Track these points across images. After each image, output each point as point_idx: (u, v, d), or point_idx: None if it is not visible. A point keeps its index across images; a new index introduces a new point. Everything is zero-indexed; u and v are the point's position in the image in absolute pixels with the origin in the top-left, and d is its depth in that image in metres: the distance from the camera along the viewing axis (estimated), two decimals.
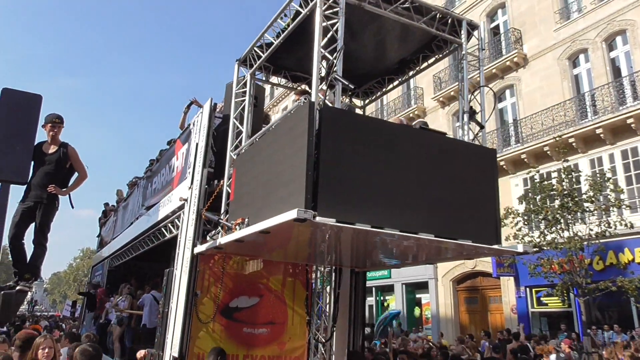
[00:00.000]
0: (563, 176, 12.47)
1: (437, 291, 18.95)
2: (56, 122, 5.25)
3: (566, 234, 11.95)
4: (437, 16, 4.28)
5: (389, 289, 21.19)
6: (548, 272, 12.12)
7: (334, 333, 5.40)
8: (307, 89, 5.26)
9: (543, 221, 12.56)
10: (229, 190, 4.67)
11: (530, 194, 13.41)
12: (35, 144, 5.09)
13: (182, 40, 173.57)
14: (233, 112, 5.01)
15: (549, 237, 12.19)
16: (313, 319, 5.55)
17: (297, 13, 4.16)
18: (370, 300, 22.48)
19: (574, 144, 14.89)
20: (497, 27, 19.27)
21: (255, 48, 4.82)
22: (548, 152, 15.49)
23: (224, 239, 4.11)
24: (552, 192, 12.46)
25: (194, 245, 4.75)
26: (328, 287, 5.86)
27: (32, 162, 5.14)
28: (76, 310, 18.32)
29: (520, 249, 3.96)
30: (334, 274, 5.97)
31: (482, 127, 4.32)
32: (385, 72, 5.58)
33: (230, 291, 5.36)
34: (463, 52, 4.49)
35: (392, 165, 3.66)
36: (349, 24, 4.07)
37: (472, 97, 4.51)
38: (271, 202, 3.66)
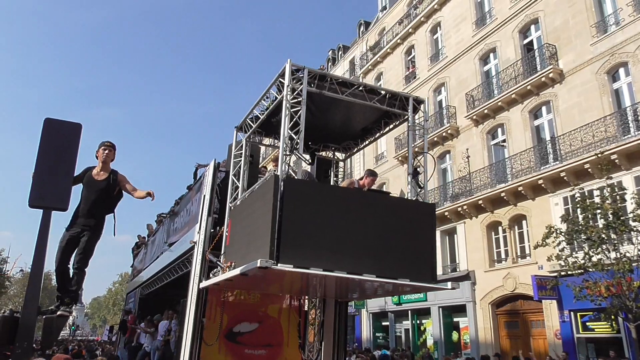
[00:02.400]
0: (607, 194, 12.65)
1: (475, 315, 19.55)
2: (107, 145, 5.81)
3: (613, 254, 12.10)
4: (387, 95, 5.80)
5: (426, 313, 22.05)
6: (594, 295, 12.17)
7: (321, 354, 6.91)
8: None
9: (587, 241, 12.72)
10: (227, 235, 6.36)
11: (573, 213, 13.78)
12: (86, 169, 5.82)
13: (212, 72, 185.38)
14: (232, 169, 6.75)
15: (594, 258, 12.31)
16: (305, 342, 7.10)
17: (275, 97, 5.84)
18: (407, 324, 23.42)
19: (616, 160, 15.16)
20: (531, 42, 20.03)
21: (248, 119, 6.55)
22: (589, 170, 15.81)
23: (217, 278, 5.80)
24: (596, 211, 12.59)
25: (199, 281, 6.48)
26: (316, 314, 7.34)
27: (82, 188, 5.74)
28: (113, 335, 20.80)
29: (449, 285, 5.33)
30: (321, 304, 7.46)
31: (421, 187, 5.72)
32: (352, 137, 7.23)
33: (234, 318, 7.04)
34: (409, 124, 5.91)
35: (342, 221, 5.21)
36: (317, 104, 5.69)
37: (417, 161, 5.92)
38: (250, 250, 5.30)
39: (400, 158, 24.93)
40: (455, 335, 20.78)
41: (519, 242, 18.79)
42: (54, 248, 5.53)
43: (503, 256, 19.31)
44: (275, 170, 5.21)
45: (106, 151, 5.77)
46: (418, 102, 6.18)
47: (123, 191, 5.86)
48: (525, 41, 20.23)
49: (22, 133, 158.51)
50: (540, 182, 17.25)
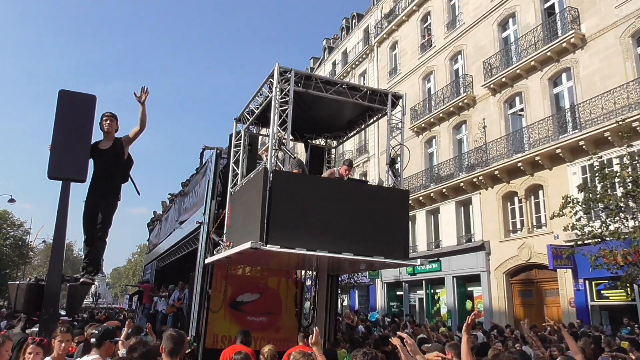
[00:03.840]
0: (627, 162, 12.84)
1: (489, 284, 20.56)
2: (107, 116, 6.09)
3: (631, 223, 12.48)
4: (368, 92, 6.80)
5: (440, 282, 23.31)
6: (610, 264, 12.55)
7: (314, 320, 8.23)
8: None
9: (604, 210, 13.12)
10: (227, 218, 7.59)
11: (591, 182, 14.00)
12: (94, 143, 6.01)
13: (224, 40, 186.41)
14: (232, 157, 7.91)
15: (611, 227, 12.73)
16: (302, 310, 8.42)
17: (267, 95, 6.91)
18: (421, 293, 24.75)
19: (638, 128, 15.40)
20: (552, 6, 20.00)
21: (245, 112, 7.65)
22: (609, 138, 16.11)
23: (219, 255, 7.07)
24: (615, 180, 12.89)
25: (205, 257, 7.77)
26: (311, 286, 8.62)
27: (92, 161, 6.00)
28: (133, 303, 22.88)
29: (418, 262, 6.45)
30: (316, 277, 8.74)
31: (396, 175, 6.78)
32: (339, 128, 8.27)
33: (238, 289, 8.38)
34: (388, 118, 6.91)
35: (324, 207, 6.34)
36: (305, 100, 6.74)
37: (394, 151, 6.94)
38: (245, 232, 6.50)
39: (416, 129, 25.65)
40: (469, 304, 21.93)
41: (535, 212, 19.49)
42: (74, 218, 6.01)
43: (518, 226, 20.05)
44: (266, 162, 6.33)
45: (107, 121, 6.09)
46: (396, 97, 7.18)
47: (130, 147, 6.16)
48: (546, 5, 20.16)
49: (40, 106, 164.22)
50: (558, 151, 17.74)
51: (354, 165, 30.03)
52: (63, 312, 6.26)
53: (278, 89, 6.40)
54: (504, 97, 21.12)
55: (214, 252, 7.62)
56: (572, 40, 18.28)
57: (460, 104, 22.81)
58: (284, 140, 6.23)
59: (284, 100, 6.38)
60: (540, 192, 19.21)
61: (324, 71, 39.12)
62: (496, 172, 20.19)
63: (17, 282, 5.90)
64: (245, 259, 7.20)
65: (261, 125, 8.38)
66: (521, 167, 19.27)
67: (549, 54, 18.96)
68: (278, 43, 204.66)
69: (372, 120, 7.91)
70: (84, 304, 41.94)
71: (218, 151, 8.28)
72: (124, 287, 74.28)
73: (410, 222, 24.77)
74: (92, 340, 4.61)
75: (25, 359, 4.43)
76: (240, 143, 7.86)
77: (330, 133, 8.79)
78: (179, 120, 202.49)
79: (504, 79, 20.66)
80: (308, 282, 9.24)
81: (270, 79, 6.62)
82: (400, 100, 7.23)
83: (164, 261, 12.03)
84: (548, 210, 17.41)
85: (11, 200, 34.01)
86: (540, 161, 18.54)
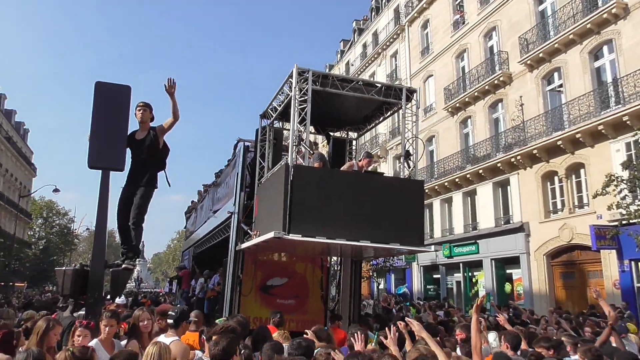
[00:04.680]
0: None
1: (529, 266, 20.73)
2: (140, 105, 6.34)
3: None
4: (383, 88, 7.43)
5: (477, 265, 23.69)
6: None
7: (340, 303, 9.07)
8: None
9: None
10: (255, 208, 8.45)
11: (636, 159, 14.37)
12: (130, 133, 6.30)
13: (258, 27, 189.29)
14: (258, 152, 8.73)
15: None
16: (327, 294, 9.27)
17: (287, 93, 7.65)
18: (458, 276, 25.22)
19: None
20: None
21: (269, 109, 8.43)
22: None
23: (247, 243, 7.95)
24: None
25: (236, 244, 8.68)
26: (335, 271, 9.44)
27: (129, 150, 6.29)
28: (173, 287, 24.51)
29: (432, 248, 7.13)
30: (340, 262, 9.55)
31: (410, 167, 7.41)
32: (358, 122, 8.94)
33: (267, 274, 9.28)
34: (402, 112, 7.54)
35: (342, 198, 7.07)
36: (323, 97, 7.44)
37: (409, 144, 7.57)
38: (269, 222, 7.33)
39: (450, 109, 25.81)
40: (508, 287, 22.15)
41: (576, 192, 19.53)
42: (115, 206, 6.51)
43: (559, 206, 20.12)
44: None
45: (140, 111, 6.35)
46: (410, 92, 7.78)
47: (164, 136, 6.43)
48: None
49: (81, 98, 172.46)
50: (600, 127, 17.64)
51: (389, 149, 30.54)
52: (122, 299, 6.78)
53: (297, 89, 7.12)
54: (542, 73, 21.02)
55: (244, 240, 8.52)
56: (613, 10, 17.96)
57: (495, 81, 22.84)
58: (303, 136, 6.96)
59: (303, 99, 7.10)
60: (582, 170, 19.17)
61: (354, 53, 39.39)
62: (535, 151, 20.22)
63: (64, 268, 6.18)
64: (273, 246, 8.06)
65: (285, 121, 9.15)
66: (561, 146, 19.24)
67: (588, 26, 18.68)
68: (308, 27, 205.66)
69: (389, 114, 8.57)
70: (128, 288, 44.51)
71: (246, 145, 9.14)
72: (164, 271, 77.82)
73: (447, 205, 25.49)
74: (170, 321, 5.10)
75: (74, 341, 4.83)
76: (266, 137, 8.66)
77: (349, 126, 9.52)
78: (215, 107, 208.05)
79: (541, 55, 20.55)
80: (334, 268, 10.12)
81: (290, 79, 7.34)
82: (415, 95, 7.84)
83: (200, 247, 13.18)
84: (590, 190, 17.36)
85: (56, 190, 36.28)
86: (581, 139, 18.45)
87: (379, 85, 7.60)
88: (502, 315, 6.99)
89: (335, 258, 9.85)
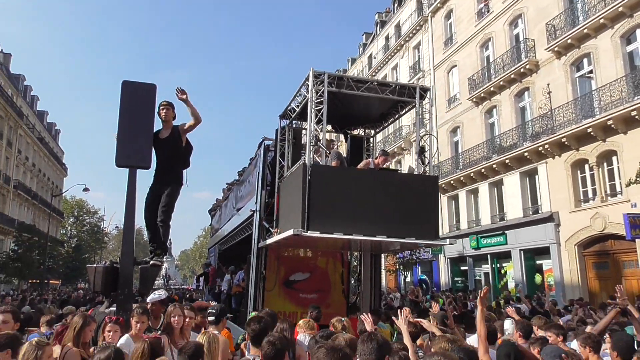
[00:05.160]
0: None
1: (560, 257, 20.71)
2: (164, 104, 6.55)
3: None
4: (397, 87, 7.79)
5: (506, 256, 23.74)
6: None
7: (360, 297, 9.50)
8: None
9: None
10: (276, 206, 8.92)
11: None
12: (155, 132, 6.49)
13: (279, 22, 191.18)
14: (278, 151, 9.19)
15: None
16: (348, 288, 9.71)
17: (304, 95, 8.07)
18: (486, 267, 25.30)
19: None
20: None
21: (288, 110, 8.87)
22: None
23: (269, 240, 8.43)
24: None
25: (258, 242, 9.17)
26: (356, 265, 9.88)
27: (154, 149, 6.45)
28: (200, 284, 25.43)
29: (447, 242, 7.47)
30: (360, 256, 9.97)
31: (424, 163, 7.76)
32: (374, 120, 9.30)
33: (290, 269, 9.77)
34: (417, 110, 7.88)
35: (359, 195, 7.47)
36: (340, 98, 7.84)
37: (424, 141, 7.91)
38: (289, 220, 7.78)
39: (474, 99, 25.81)
40: (538, 278, 22.21)
41: (609, 180, 19.38)
42: (142, 204, 6.69)
43: (590, 195, 20.01)
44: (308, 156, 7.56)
45: (164, 110, 6.58)
46: (424, 90, 8.12)
47: (187, 136, 6.65)
48: None
49: (106, 98, 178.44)
50: (633, 113, 17.46)
51: (412, 140, 30.69)
52: (160, 292, 6.98)
53: (314, 91, 7.53)
54: (570, 60, 20.85)
55: (266, 237, 9.01)
56: None
57: (522, 70, 22.74)
58: (320, 136, 7.38)
59: (319, 100, 7.51)
60: (614, 158, 19.00)
61: (377, 46, 39.50)
62: (564, 140, 20.10)
63: (95, 265, 6.46)
64: (295, 242, 8.53)
65: (303, 120, 9.57)
66: (592, 133, 19.09)
67: (620, 9, 18.41)
68: (330, 20, 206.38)
69: (404, 111, 8.94)
70: (156, 285, 45.82)
71: (266, 144, 9.62)
72: (192, 268, 79.58)
73: (473, 196, 25.50)
74: (211, 318, 5.40)
75: (104, 336, 5.05)
76: (285, 137, 9.12)
77: (366, 124, 9.90)
78: (240, 103, 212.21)
79: (569, 41, 20.35)
80: (354, 263, 10.55)
81: (307, 82, 7.76)
82: (428, 93, 8.16)
83: (225, 244, 13.77)
84: (624, 177, 17.31)
85: (86, 190, 37.80)
86: (613, 125, 18.28)
87: (393, 84, 7.98)
88: (510, 308, 7.29)
89: (355, 253, 10.26)
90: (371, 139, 10.52)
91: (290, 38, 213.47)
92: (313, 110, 7.52)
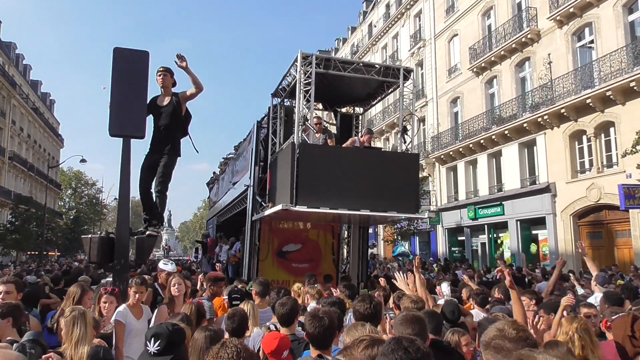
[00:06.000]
0: None
1: (555, 227, 21.62)
2: (160, 70, 6.54)
3: None
4: (382, 68, 8.49)
5: (503, 226, 24.70)
6: None
7: (349, 266, 10.42)
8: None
9: None
10: (268, 181, 9.72)
11: None
12: (152, 99, 6.48)
13: None
14: (270, 128, 9.94)
15: None
16: (339, 258, 10.61)
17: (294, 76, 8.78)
18: (483, 238, 26.27)
19: None
20: None
21: (279, 89, 9.59)
22: None
23: (261, 214, 9.27)
24: None
25: (252, 215, 10.02)
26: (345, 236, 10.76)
27: (152, 117, 6.46)
28: (198, 255, 26.58)
29: (426, 215, 8.27)
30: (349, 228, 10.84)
31: (405, 142, 8.51)
32: (362, 99, 10.04)
33: (283, 240, 10.66)
34: (400, 90, 8.60)
35: (344, 172, 8.26)
36: (328, 78, 8.55)
37: (406, 120, 8.65)
38: (279, 195, 8.59)
39: (475, 69, 26.29)
40: (533, 248, 23.05)
41: (605, 151, 20.01)
42: (136, 176, 6.65)
43: (587, 166, 20.72)
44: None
45: (161, 76, 6.56)
46: (407, 71, 8.83)
47: (187, 103, 6.61)
48: None
49: (101, 68, 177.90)
50: (632, 84, 17.93)
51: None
52: (173, 266, 7.12)
53: (302, 72, 8.23)
54: (572, 29, 21.19)
55: (259, 211, 9.84)
56: None
57: (523, 39, 23.14)
58: (308, 116, 8.11)
59: (307, 81, 8.21)
60: (612, 129, 19.54)
61: (377, 14, 39.65)
62: (563, 110, 20.63)
63: (90, 236, 6.39)
64: (285, 216, 9.36)
65: (293, 99, 10.28)
66: (590, 104, 19.59)
67: None
68: None
69: (390, 90, 9.64)
70: (156, 256, 47.24)
71: (259, 121, 10.40)
72: (192, 240, 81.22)
73: (471, 167, 26.20)
74: (236, 302, 5.62)
75: (101, 307, 5.18)
76: (277, 115, 9.86)
77: (354, 103, 10.65)
78: (237, 76, 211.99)
79: (572, 9, 20.65)
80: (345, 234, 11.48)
81: (295, 63, 8.45)
82: (412, 74, 8.87)
83: (223, 217, 14.72)
84: (620, 149, 17.97)
85: (83, 161, 38.45)
86: (612, 96, 18.78)
87: (378, 66, 8.69)
88: (465, 276, 8.18)
89: (345, 225, 11.20)
90: (360, 117, 11.29)
91: (290, 6, 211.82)
92: (301, 90, 8.23)
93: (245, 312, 4.53)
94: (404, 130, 8.80)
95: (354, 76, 8.64)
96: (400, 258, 19.07)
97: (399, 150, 9.12)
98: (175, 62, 6.29)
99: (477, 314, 5.69)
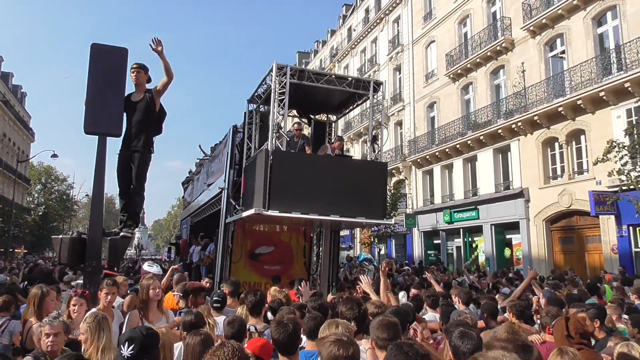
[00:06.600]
0: None
1: (528, 231, 22.48)
2: (134, 67, 6.54)
3: None
4: (353, 81, 9.09)
5: (477, 230, 25.62)
6: None
7: (320, 269, 11.00)
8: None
9: None
10: (242, 185, 10.23)
11: (637, 126, 15.26)
12: (126, 96, 6.48)
13: None
14: (246, 133, 10.44)
15: None
16: (310, 261, 11.18)
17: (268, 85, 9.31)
18: (458, 241, 27.15)
19: None
20: None
21: (255, 95, 10.11)
22: None
23: (234, 217, 9.78)
24: None
25: (225, 217, 10.52)
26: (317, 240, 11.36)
27: (125, 113, 6.43)
28: (171, 255, 26.97)
29: (392, 221, 8.91)
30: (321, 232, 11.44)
31: (375, 151, 9.13)
32: (335, 108, 10.65)
33: (256, 243, 11.18)
34: (370, 102, 9.21)
35: (315, 179, 8.84)
36: (302, 87, 9.11)
37: (376, 131, 9.26)
38: (253, 199, 9.11)
39: (451, 75, 27.17)
40: (507, 252, 24.01)
41: (576, 158, 20.94)
42: (113, 172, 6.81)
43: (559, 172, 21.61)
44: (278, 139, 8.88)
45: (134, 73, 6.58)
46: (377, 84, 9.46)
47: (161, 98, 6.62)
48: None
49: (76, 62, 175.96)
50: (601, 94, 18.79)
51: (390, 115, 32.16)
52: (157, 269, 7.45)
53: (277, 82, 8.77)
54: (545, 40, 22.16)
55: (233, 214, 10.34)
56: None
57: (498, 47, 24.08)
58: (282, 124, 8.66)
59: (281, 91, 8.75)
60: (582, 137, 20.45)
61: (357, 18, 40.60)
62: (536, 118, 21.53)
63: (60, 236, 6.29)
64: (258, 219, 9.90)
65: (269, 105, 10.82)
66: (562, 112, 20.49)
67: None
68: None
69: (361, 101, 10.30)
70: (128, 255, 47.28)
71: (235, 126, 10.93)
72: (166, 238, 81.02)
73: (447, 171, 27.00)
74: (217, 305, 5.65)
75: (70, 311, 5.02)
76: (253, 120, 10.38)
77: (328, 111, 11.28)
78: (215, 72, 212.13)
79: (544, 20, 21.65)
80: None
81: (271, 73, 9.00)
82: (381, 87, 9.53)
83: (197, 217, 15.16)
84: (590, 156, 18.76)
85: (54, 156, 38.32)
86: (582, 105, 19.63)
87: (350, 78, 9.34)
88: (432, 276, 8.82)
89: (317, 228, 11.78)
90: (333, 124, 11.90)
91: (270, 6, 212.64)
92: (276, 100, 8.76)
93: (244, 319, 4.65)
94: (374, 140, 9.42)
95: (327, 87, 9.23)
96: (366, 263, 19.87)
97: (368, 159, 9.70)
98: (151, 45, 6.28)
99: (431, 315, 6.29)
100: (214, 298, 5.85)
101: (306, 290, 6.39)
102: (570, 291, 9.38)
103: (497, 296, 8.00)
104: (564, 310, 5.87)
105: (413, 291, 8.05)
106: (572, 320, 4.94)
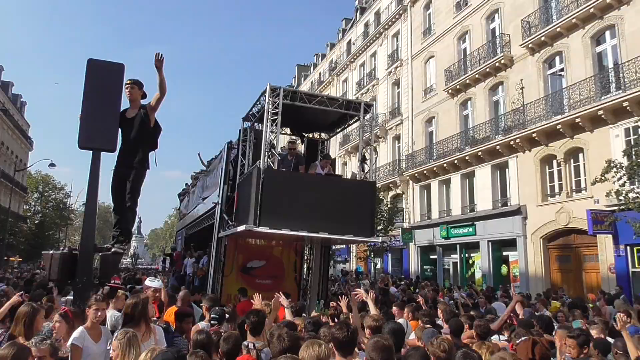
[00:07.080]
0: None
1: (525, 249, 22.73)
2: (128, 83, 6.60)
3: None
4: (344, 102, 9.59)
5: (474, 246, 25.97)
6: None
7: (309, 283, 11.44)
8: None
9: None
10: (235, 201, 10.68)
11: (634, 145, 15.35)
12: (121, 112, 6.58)
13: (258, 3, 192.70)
14: (240, 150, 10.92)
15: None
16: (301, 275, 11.61)
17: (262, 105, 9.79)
18: (455, 257, 27.48)
19: None
20: None
21: (249, 114, 10.61)
22: None
23: (226, 232, 10.24)
24: None
25: (218, 232, 10.96)
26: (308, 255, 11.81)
27: (120, 129, 6.52)
28: (166, 265, 27.51)
29: (380, 239, 9.35)
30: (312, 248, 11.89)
31: (364, 171, 9.59)
32: (324, 128, 11.12)
33: (247, 257, 11.63)
34: (360, 123, 9.70)
35: (305, 197, 9.29)
36: (295, 109, 9.61)
37: (366, 150, 9.73)
38: (245, 215, 9.56)
39: (450, 91, 27.72)
40: (504, 269, 24.27)
41: (574, 176, 21.25)
42: (107, 186, 6.87)
43: (557, 190, 21.92)
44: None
45: (128, 89, 6.64)
46: (368, 105, 9.97)
47: (155, 113, 6.71)
48: None
49: (75, 72, 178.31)
50: (600, 112, 19.10)
51: (388, 129, 32.71)
52: (158, 282, 7.54)
53: (270, 103, 9.26)
54: (543, 57, 22.60)
55: (226, 228, 10.79)
56: None
57: (497, 64, 24.57)
58: (274, 143, 9.13)
59: (274, 111, 9.23)
60: (581, 155, 20.79)
61: (356, 32, 41.36)
62: (534, 135, 21.88)
63: (51, 251, 6.37)
64: (249, 235, 10.34)
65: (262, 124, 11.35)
66: (560, 130, 20.82)
67: (591, 10, 20.06)
68: (310, 3, 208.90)
69: (352, 121, 10.80)
70: (124, 264, 47.63)
71: (229, 142, 11.44)
72: (162, 247, 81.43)
73: (445, 186, 27.42)
74: (214, 322, 5.93)
75: (54, 326, 5.14)
76: (247, 138, 10.87)
77: (320, 130, 11.80)
78: (214, 85, 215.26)
79: (543, 38, 22.12)
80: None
81: (265, 94, 9.49)
82: (371, 108, 10.04)
83: (192, 229, 15.62)
84: (588, 174, 19.13)
85: (52, 165, 38.99)
86: (580, 123, 19.94)
87: (341, 100, 9.88)
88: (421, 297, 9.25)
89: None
90: (325, 142, 12.43)
91: (270, 19, 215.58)
92: (269, 120, 9.24)
93: (239, 335, 4.79)
94: (363, 159, 9.90)
95: (319, 108, 9.73)
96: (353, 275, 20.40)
97: (358, 177, 10.19)
98: (155, 58, 6.36)
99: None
100: (212, 315, 6.11)
101: (276, 305, 6.36)
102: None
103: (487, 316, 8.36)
104: (532, 330, 6.25)
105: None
106: (538, 346, 5.35)
